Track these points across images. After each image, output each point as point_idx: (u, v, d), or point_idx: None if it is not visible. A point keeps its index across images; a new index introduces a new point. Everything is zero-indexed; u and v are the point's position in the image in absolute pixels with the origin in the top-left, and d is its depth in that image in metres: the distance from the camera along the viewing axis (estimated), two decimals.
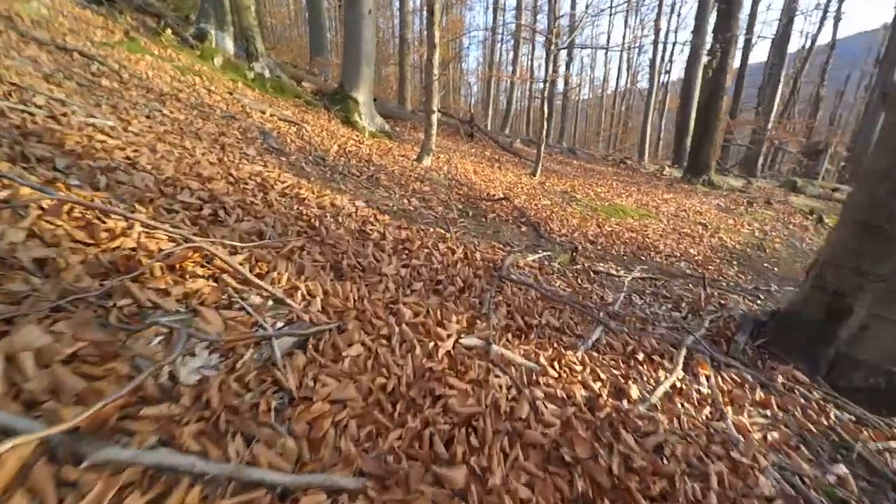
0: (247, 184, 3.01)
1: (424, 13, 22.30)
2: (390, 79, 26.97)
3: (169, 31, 8.37)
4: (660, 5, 14.50)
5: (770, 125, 17.15)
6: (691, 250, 6.15)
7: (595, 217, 6.80)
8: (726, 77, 13.04)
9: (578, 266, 4.18)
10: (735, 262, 6.42)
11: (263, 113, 5.99)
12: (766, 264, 6.72)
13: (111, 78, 4.59)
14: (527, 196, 6.99)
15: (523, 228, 5.17)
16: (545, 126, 9.42)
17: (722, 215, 9.11)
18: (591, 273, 4.06)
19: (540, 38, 20.91)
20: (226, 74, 8.08)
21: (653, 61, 15.14)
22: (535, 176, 9.37)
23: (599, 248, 5.25)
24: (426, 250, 2.94)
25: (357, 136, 8.21)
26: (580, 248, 4.87)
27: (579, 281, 3.67)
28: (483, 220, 5.16)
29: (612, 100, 35.03)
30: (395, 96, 19.49)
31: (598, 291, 3.41)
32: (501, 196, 6.23)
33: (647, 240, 6.08)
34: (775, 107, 17.17)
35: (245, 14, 9.10)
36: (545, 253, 4.23)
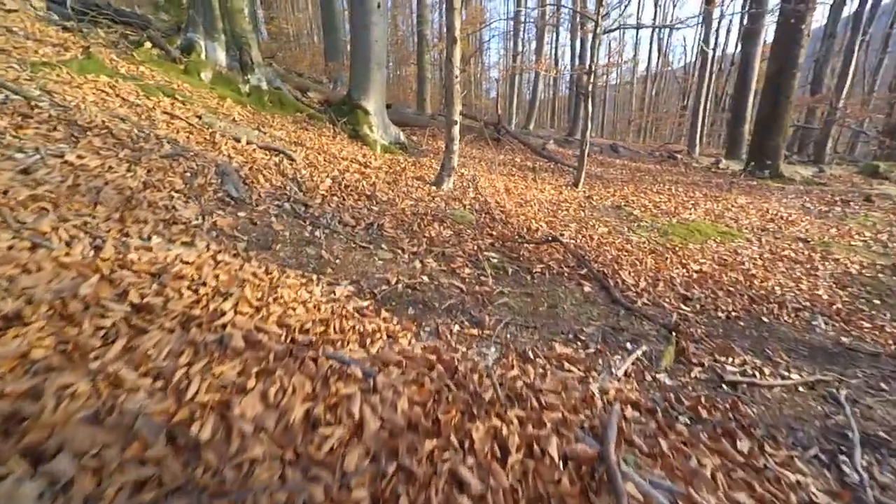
0: (105, 315, 1.55)
1: (443, 7, 20.59)
2: (409, 79, 25.40)
3: (148, 44, 7.11)
4: None
5: (842, 102, 14.63)
6: (817, 291, 4.37)
7: (670, 247, 5.08)
8: (800, 49, 10.83)
9: (693, 369, 2.56)
10: (879, 302, 4.59)
11: (238, 141, 4.58)
12: None
13: (11, 113, 3.25)
14: (577, 223, 5.32)
15: (587, 288, 3.56)
16: (587, 125, 7.67)
17: (817, 222, 7.16)
18: (722, 384, 2.44)
19: (571, 21, 18.95)
20: (214, 90, 6.75)
21: (706, 34, 12.94)
22: (577, 187, 7.65)
23: (700, 310, 3.59)
24: (450, 451, 1.40)
25: (365, 154, 6.72)
26: (679, 321, 3.22)
27: (713, 411, 2.06)
28: (528, 280, 3.57)
29: (644, 84, 32.31)
30: (414, 98, 17.98)
31: (775, 461, 1.79)
32: (548, 234, 4.60)
33: (751, 280, 4.34)
34: (848, 81, 14.61)
35: (238, 19, 7.72)
36: (638, 351, 2.62)
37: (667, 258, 4.64)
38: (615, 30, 6.94)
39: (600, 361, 2.49)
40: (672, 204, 7.26)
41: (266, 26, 20.60)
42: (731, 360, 2.74)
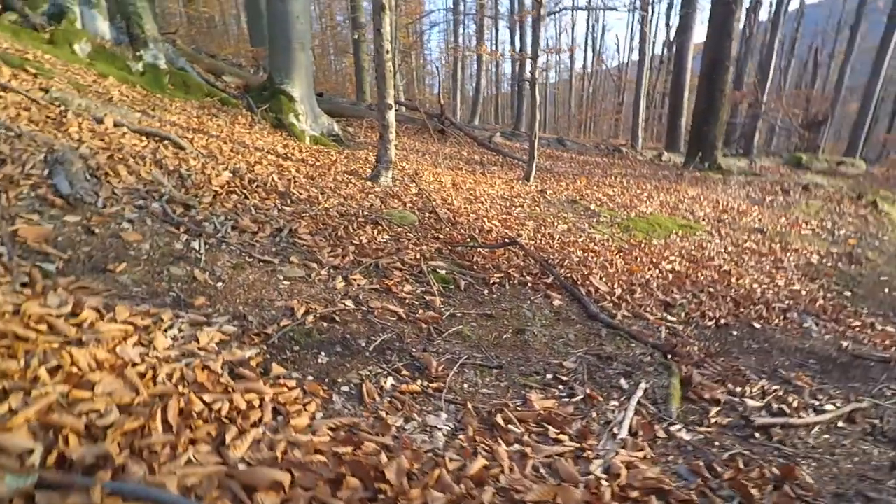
0: None
1: None
2: (349, 70, 24.03)
3: None
4: None
5: (765, 97, 15.25)
6: (793, 287, 3.97)
7: (636, 244, 4.53)
8: (731, 43, 10.94)
9: (711, 411, 1.90)
10: (850, 294, 4.28)
11: (100, 123, 3.45)
12: (879, 285, 4.62)
13: None
14: (534, 221, 4.65)
15: (557, 301, 2.85)
16: (535, 115, 7.08)
17: (766, 211, 7.03)
18: (752, 430, 1.80)
19: (510, 11, 18.58)
20: (93, 67, 5.43)
21: (642, 29, 12.89)
22: (529, 180, 7.04)
23: (686, 318, 3.00)
24: None
25: (287, 145, 5.69)
26: (671, 339, 2.60)
27: (763, 487, 1.40)
28: (486, 294, 2.80)
29: (581, 82, 32.90)
30: (355, 91, 16.80)
31: None
32: (504, 236, 3.87)
33: (727, 279, 3.86)
34: (770, 78, 15.25)
35: None
36: (638, 392, 1.92)
37: (636, 257, 4.06)
38: (557, 12, 6.33)
39: (594, 414, 1.77)
40: (626, 197, 6.82)
41: (185, 9, 18.54)
42: (747, 389, 2.12)
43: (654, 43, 17.36)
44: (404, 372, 1.79)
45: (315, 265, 2.56)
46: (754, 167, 12.80)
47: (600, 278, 3.35)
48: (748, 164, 13.05)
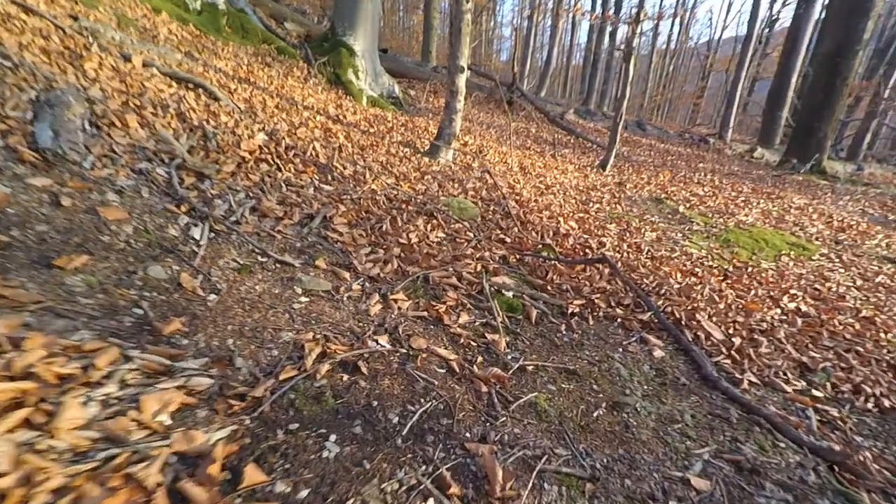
0: None
1: None
2: (417, 29, 22.89)
3: None
4: None
5: (888, 91, 12.88)
6: None
7: (741, 266, 3.60)
8: (867, 22, 9.01)
9: None
10: None
11: (127, 61, 2.93)
12: None
13: None
14: (616, 225, 3.80)
15: (658, 352, 2.08)
16: (625, 93, 5.99)
17: (889, 233, 5.70)
18: None
19: None
20: (149, 1, 4.98)
21: (755, 4, 10.97)
22: (605, 169, 6.07)
23: (836, 394, 2.15)
24: None
25: (341, 105, 5.05)
26: (824, 427, 1.78)
27: None
28: (563, 332, 2.08)
29: (663, 59, 29.85)
30: (420, 51, 15.82)
31: None
32: (584, 244, 3.08)
33: (872, 329, 2.89)
34: None
35: None
36: None
37: (748, 287, 3.16)
38: None
39: None
40: (720, 200, 5.72)
41: None
42: None
43: (772, 14, 14.86)
44: (452, 487, 1.13)
45: (347, 274, 1.93)
46: (862, 175, 10.91)
47: (709, 317, 2.51)
48: (855, 171, 11.15)
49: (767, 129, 11.94)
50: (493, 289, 2.18)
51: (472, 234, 2.70)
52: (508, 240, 2.78)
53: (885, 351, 2.67)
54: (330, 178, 2.78)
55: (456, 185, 3.41)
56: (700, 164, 8.30)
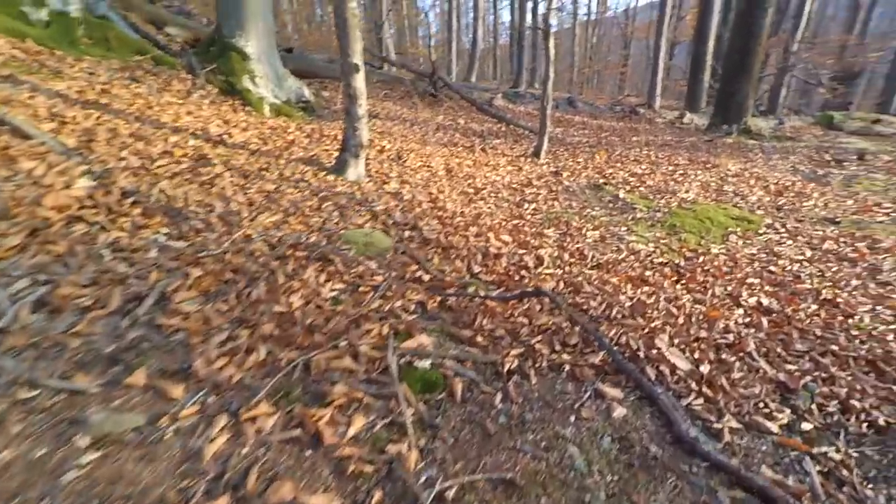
0: None
1: None
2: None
3: None
4: None
5: (795, 46, 13.44)
6: None
7: (692, 256, 3.29)
8: None
9: None
10: None
11: None
12: None
13: None
14: (555, 227, 3.38)
15: (618, 410, 1.65)
16: (549, 73, 5.59)
17: (825, 190, 5.72)
18: None
19: None
20: None
21: None
22: (539, 157, 5.68)
23: (827, 421, 1.81)
24: None
25: (229, 122, 4.30)
26: (828, 483, 1.42)
27: None
28: (498, 409, 1.59)
29: (585, 31, 30.19)
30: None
31: None
32: (518, 263, 2.62)
33: (837, 316, 2.65)
34: (803, 23, 13.37)
35: None
36: None
37: (704, 284, 2.83)
38: None
39: None
40: (659, 177, 5.49)
41: None
42: None
43: None
44: None
45: (180, 388, 1.33)
46: (783, 129, 11.30)
47: (671, 339, 2.13)
48: (776, 126, 11.54)
49: (692, 94, 12.12)
50: (403, 362, 1.66)
51: (380, 277, 2.16)
52: (427, 277, 2.26)
53: (857, 342, 2.40)
54: (186, 229, 2.13)
55: (363, 211, 2.83)
56: (634, 137, 8.15)
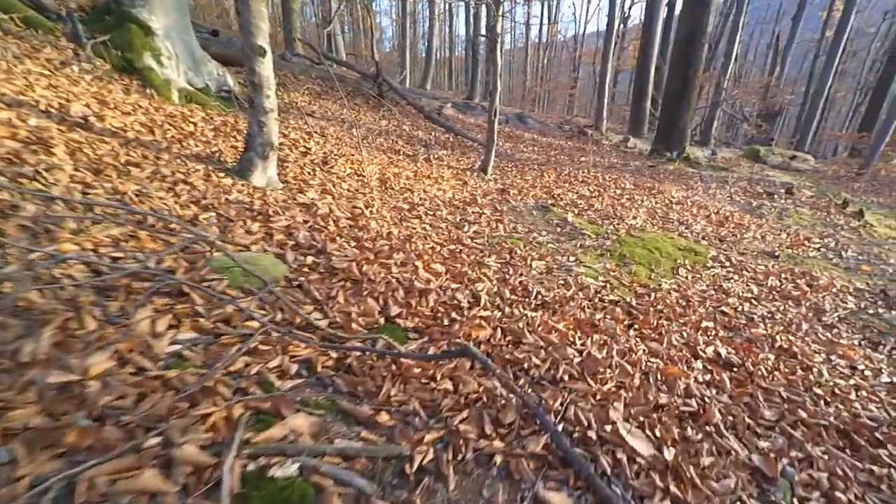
0: None
1: None
2: (278, 13, 20.30)
3: None
4: None
5: (727, 82, 14.28)
6: (871, 365, 2.58)
7: (646, 297, 2.96)
8: (709, 16, 9.54)
9: None
10: None
11: None
12: None
13: None
14: (497, 257, 2.94)
15: None
16: (496, 85, 5.23)
17: (762, 223, 5.77)
18: None
19: None
20: None
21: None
22: (486, 173, 5.29)
23: None
24: None
25: (110, 102, 3.49)
26: None
27: None
28: None
29: (537, 52, 30.95)
30: (285, 40, 13.82)
31: None
32: (449, 303, 2.12)
33: (796, 368, 2.39)
34: (732, 61, 14.24)
35: None
36: None
37: (657, 330, 2.48)
38: None
39: None
40: (606, 200, 5.27)
41: None
42: None
43: (625, 12, 15.68)
44: None
45: None
46: (717, 159, 11.83)
47: (626, 409, 1.71)
48: (710, 155, 12.07)
49: (635, 120, 12.45)
50: (252, 468, 1.08)
51: (255, 323, 1.57)
52: (324, 322, 1.70)
53: (823, 404, 2.12)
54: None
55: (257, 226, 2.22)
56: (582, 157, 8.04)
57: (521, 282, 2.54)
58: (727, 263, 4.09)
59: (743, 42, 24.14)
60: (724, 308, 3.04)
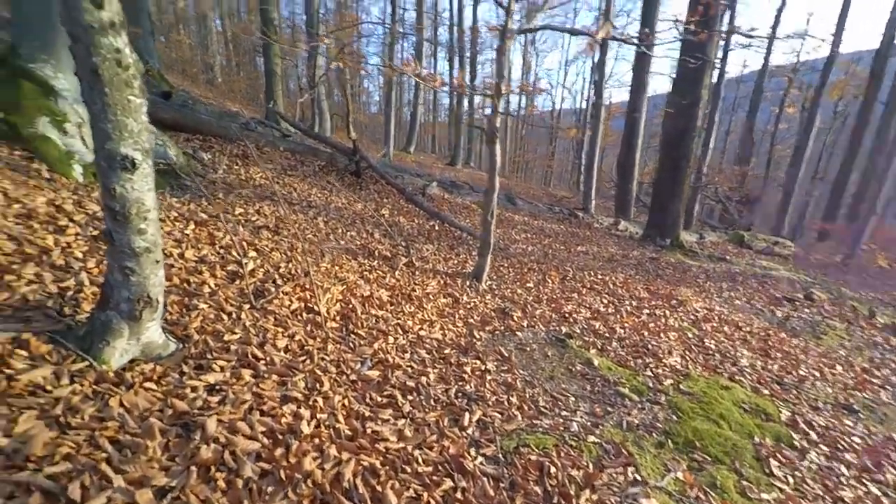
0: None
1: None
2: (258, 74, 19.68)
3: None
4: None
5: (705, 169, 14.21)
6: None
7: None
8: (699, 109, 9.27)
9: None
10: None
11: None
12: None
13: None
14: (502, 460, 1.71)
15: None
16: (494, 181, 4.26)
17: (801, 345, 4.80)
18: None
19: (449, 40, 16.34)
20: None
21: (600, 79, 10.99)
22: (481, 281, 4.20)
23: None
24: None
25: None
26: None
27: None
28: None
29: (516, 124, 31.64)
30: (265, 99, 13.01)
31: None
32: None
33: None
34: (710, 149, 14.27)
35: None
36: None
37: None
38: (532, 30, 3.63)
39: None
40: (626, 318, 4.21)
41: None
42: None
43: (608, 91, 15.82)
44: None
45: None
46: (705, 244, 11.27)
47: None
48: (698, 240, 11.53)
49: (622, 202, 11.97)
50: None
51: None
52: None
53: None
54: None
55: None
56: (579, 246, 7.13)
57: None
58: (811, 433, 2.97)
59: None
60: None
